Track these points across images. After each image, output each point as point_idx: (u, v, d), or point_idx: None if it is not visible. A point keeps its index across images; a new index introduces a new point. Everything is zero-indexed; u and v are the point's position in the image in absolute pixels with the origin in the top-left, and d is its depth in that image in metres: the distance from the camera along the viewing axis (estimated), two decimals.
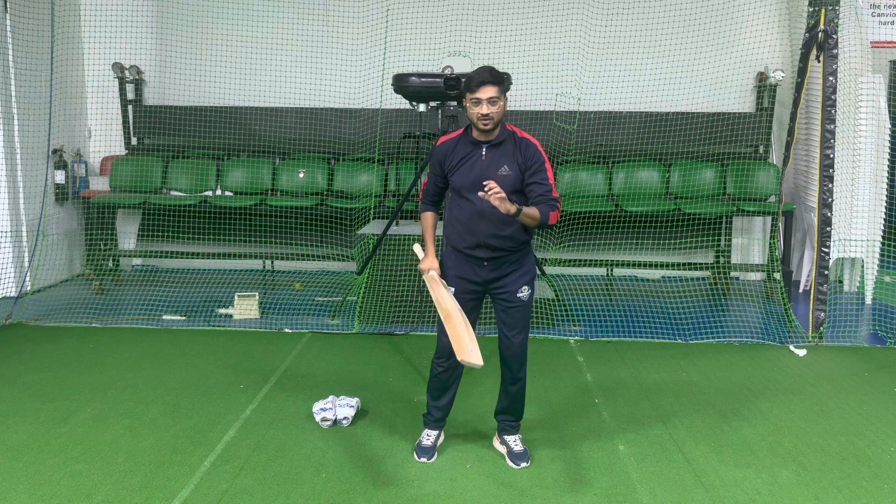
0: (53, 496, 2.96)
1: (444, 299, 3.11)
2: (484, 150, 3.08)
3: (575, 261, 6.37)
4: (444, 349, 3.26)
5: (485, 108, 2.97)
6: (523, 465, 3.25)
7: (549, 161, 3.10)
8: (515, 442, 3.34)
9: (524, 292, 3.19)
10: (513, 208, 2.81)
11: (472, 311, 3.24)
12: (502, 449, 3.37)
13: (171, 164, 7.09)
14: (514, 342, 3.23)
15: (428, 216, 3.30)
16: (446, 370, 3.31)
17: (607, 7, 6.74)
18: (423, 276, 3.22)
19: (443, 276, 3.25)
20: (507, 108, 3.11)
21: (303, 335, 5.25)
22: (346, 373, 4.47)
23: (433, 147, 3.23)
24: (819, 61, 5.16)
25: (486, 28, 6.85)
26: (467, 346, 2.90)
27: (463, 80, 5.06)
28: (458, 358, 2.89)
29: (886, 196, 6.30)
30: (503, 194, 2.78)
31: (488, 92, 2.96)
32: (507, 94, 3.16)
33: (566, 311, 5.66)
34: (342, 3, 7.10)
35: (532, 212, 2.92)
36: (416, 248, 3.40)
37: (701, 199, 6.63)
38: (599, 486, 3.09)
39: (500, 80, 3.00)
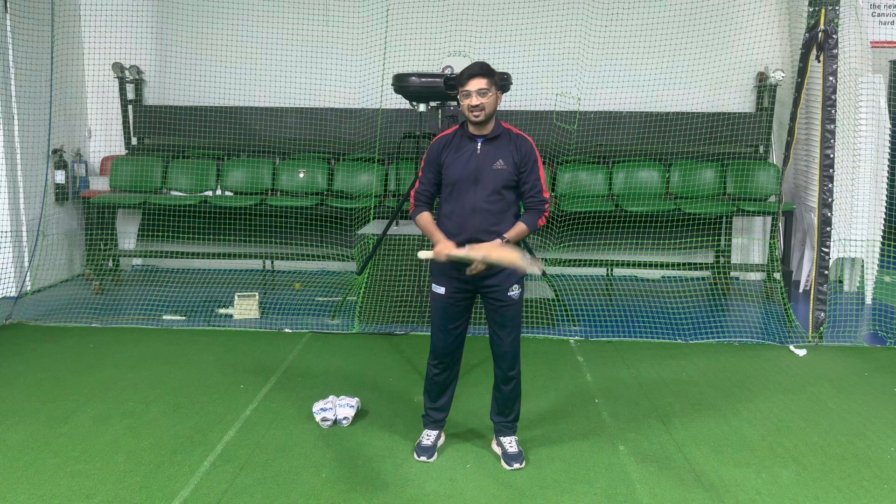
0: (53, 496, 2.96)
1: (482, 247, 3.08)
2: (479, 144, 3.11)
3: (575, 261, 6.36)
4: (439, 352, 3.28)
5: (474, 100, 3.00)
6: (517, 466, 3.25)
7: (540, 159, 3.17)
8: (511, 444, 3.34)
9: (515, 291, 3.19)
10: (498, 247, 2.99)
11: (464, 312, 3.25)
12: (499, 450, 3.37)
13: (171, 164, 7.09)
14: (506, 341, 3.22)
15: (425, 215, 3.22)
16: (442, 372, 3.32)
17: (607, 7, 6.74)
18: (446, 255, 3.02)
19: (434, 276, 3.24)
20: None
21: (303, 335, 5.25)
22: (346, 373, 4.47)
23: (431, 144, 3.22)
24: (819, 61, 5.16)
25: (486, 28, 6.85)
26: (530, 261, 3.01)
27: None
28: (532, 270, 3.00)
29: (886, 196, 6.30)
30: (481, 267, 2.99)
31: (477, 83, 3.00)
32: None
33: (566, 311, 5.66)
34: (342, 3, 7.09)
35: (519, 231, 3.09)
36: (422, 254, 3.23)
37: (701, 199, 6.63)
38: (599, 486, 3.09)
39: (490, 73, 3.04)
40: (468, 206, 3.08)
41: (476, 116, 3.02)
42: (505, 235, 3.06)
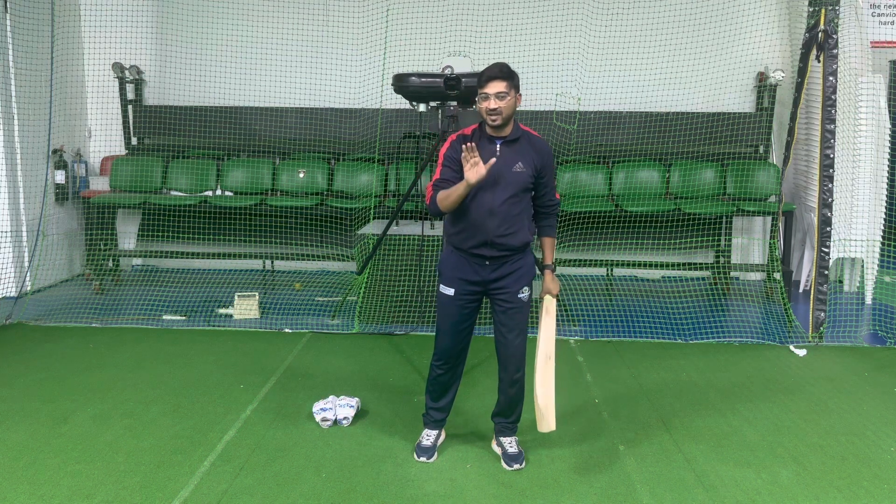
0: (53, 496, 2.96)
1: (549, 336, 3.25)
2: (498, 146, 3.08)
3: (575, 261, 6.37)
4: (444, 353, 3.26)
5: (492, 103, 2.98)
6: (517, 466, 3.25)
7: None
8: (511, 444, 3.33)
9: (524, 293, 3.18)
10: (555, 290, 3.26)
11: (473, 314, 3.23)
12: (499, 451, 3.37)
13: (171, 164, 7.09)
14: (513, 344, 3.21)
15: (441, 191, 3.04)
16: (445, 373, 3.31)
17: (607, 7, 6.74)
18: (486, 170, 2.87)
19: (442, 277, 3.22)
20: None
21: (303, 335, 5.25)
22: (346, 373, 4.47)
23: (450, 140, 3.10)
24: (819, 61, 5.16)
25: (486, 28, 6.85)
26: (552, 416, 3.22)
27: (463, 80, 5.07)
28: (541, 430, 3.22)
29: (886, 196, 6.30)
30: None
31: (496, 87, 2.98)
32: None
33: (566, 311, 5.66)
34: (342, 3, 7.10)
35: (552, 246, 3.27)
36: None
37: (701, 199, 6.63)
38: (599, 486, 3.09)
39: (510, 76, 3.03)
40: (485, 209, 3.03)
41: (493, 120, 2.99)
42: (548, 263, 3.26)
